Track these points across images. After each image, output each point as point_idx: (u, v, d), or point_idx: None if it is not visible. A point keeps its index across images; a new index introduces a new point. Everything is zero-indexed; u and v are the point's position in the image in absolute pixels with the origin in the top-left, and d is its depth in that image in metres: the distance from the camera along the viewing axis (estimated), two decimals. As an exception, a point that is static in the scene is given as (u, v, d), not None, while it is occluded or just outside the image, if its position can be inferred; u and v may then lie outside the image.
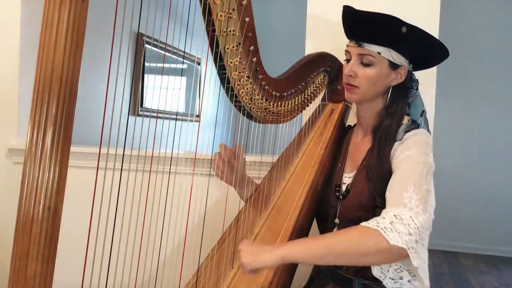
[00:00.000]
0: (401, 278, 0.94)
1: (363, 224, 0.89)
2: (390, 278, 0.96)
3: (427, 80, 1.52)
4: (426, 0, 1.58)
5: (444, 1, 1.60)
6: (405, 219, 0.86)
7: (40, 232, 0.69)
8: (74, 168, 1.39)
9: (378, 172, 1.05)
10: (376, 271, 0.94)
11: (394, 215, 0.87)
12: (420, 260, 0.85)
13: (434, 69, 1.56)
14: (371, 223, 0.88)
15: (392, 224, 0.85)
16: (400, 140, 1.05)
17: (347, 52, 1.12)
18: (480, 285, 3.36)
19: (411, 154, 1.00)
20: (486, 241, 4.16)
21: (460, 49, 4.08)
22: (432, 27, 1.53)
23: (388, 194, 0.96)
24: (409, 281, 0.96)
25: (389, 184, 0.98)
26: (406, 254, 0.84)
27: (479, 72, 4.19)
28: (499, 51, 4.14)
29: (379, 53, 1.06)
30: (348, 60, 1.12)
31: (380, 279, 0.96)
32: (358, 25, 1.08)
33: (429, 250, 1.64)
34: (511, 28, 4.11)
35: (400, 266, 0.94)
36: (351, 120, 1.44)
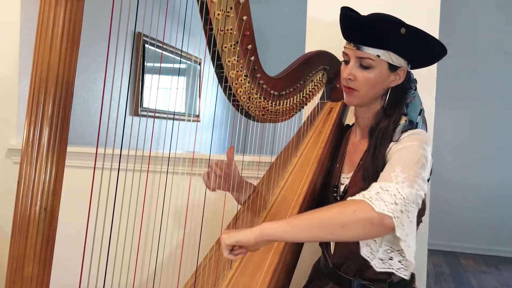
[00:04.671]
0: (390, 259, 0.92)
1: (348, 198, 0.89)
2: (379, 258, 0.94)
3: (427, 80, 1.52)
4: (426, 1, 1.58)
5: (444, 2, 1.59)
6: (391, 190, 0.86)
7: (36, 233, 0.69)
8: (72, 168, 1.39)
9: (373, 173, 1.03)
10: (365, 251, 0.91)
11: (380, 187, 0.87)
12: (404, 232, 0.84)
13: (434, 69, 1.56)
14: (357, 196, 0.87)
15: (378, 194, 0.85)
16: (396, 141, 1.04)
17: (345, 54, 1.10)
18: (480, 285, 3.36)
19: (404, 146, 1.00)
20: (486, 241, 4.15)
21: (461, 49, 4.08)
22: (432, 27, 1.53)
23: (378, 179, 0.95)
24: (399, 261, 0.93)
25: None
26: (390, 224, 0.83)
27: (479, 72, 4.18)
28: (499, 51, 4.13)
29: (378, 56, 1.04)
30: (346, 62, 1.10)
31: (369, 259, 0.94)
32: (357, 29, 1.05)
33: (429, 250, 1.63)
34: (511, 28, 4.10)
35: (391, 247, 0.93)
36: (349, 118, 1.44)
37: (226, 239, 0.91)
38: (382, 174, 0.94)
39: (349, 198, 0.88)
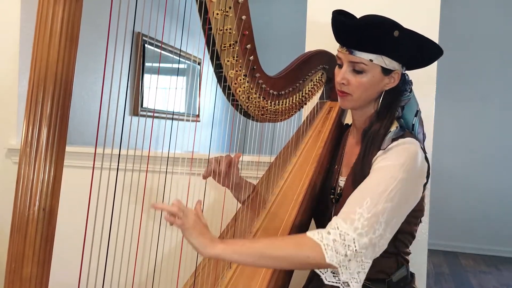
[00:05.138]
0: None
1: (308, 234, 0.92)
2: (331, 271, 1.01)
3: (427, 80, 1.51)
4: (426, 1, 1.58)
5: (444, 2, 1.59)
6: (348, 240, 0.89)
7: (35, 233, 0.69)
8: (71, 168, 1.39)
9: (361, 178, 1.02)
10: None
11: (340, 234, 0.90)
12: (348, 274, 0.91)
13: (434, 69, 1.55)
14: (316, 235, 0.91)
15: (334, 242, 0.89)
16: (384, 149, 1.02)
17: (338, 57, 1.09)
18: (480, 285, 3.35)
19: (386, 165, 0.98)
20: (486, 241, 4.15)
21: (461, 49, 4.07)
22: (432, 28, 1.52)
23: (347, 201, 0.96)
24: None
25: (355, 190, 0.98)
26: (335, 268, 0.91)
27: (479, 72, 4.18)
28: (499, 51, 4.13)
29: (371, 60, 1.03)
30: (339, 65, 1.09)
31: (320, 273, 1.00)
32: (349, 34, 1.04)
33: (429, 250, 1.63)
34: (511, 28, 4.10)
35: None
36: (349, 118, 1.43)
37: (188, 234, 0.91)
38: (351, 199, 0.96)
39: (308, 234, 0.92)
